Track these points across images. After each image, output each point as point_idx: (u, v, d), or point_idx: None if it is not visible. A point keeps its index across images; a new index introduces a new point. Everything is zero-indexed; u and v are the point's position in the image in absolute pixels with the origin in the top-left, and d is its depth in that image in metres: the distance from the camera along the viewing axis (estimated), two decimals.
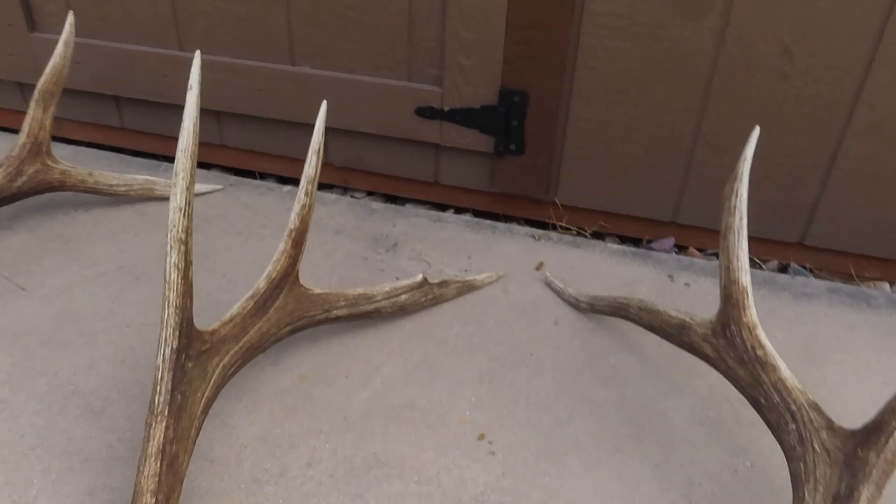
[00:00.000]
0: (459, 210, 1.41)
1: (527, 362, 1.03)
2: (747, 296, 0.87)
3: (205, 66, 1.35)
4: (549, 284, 1.18)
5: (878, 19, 1.03)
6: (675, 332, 0.96)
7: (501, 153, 1.27)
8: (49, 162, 1.22)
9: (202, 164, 1.52)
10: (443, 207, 1.42)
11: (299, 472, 0.85)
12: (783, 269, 1.31)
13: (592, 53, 1.17)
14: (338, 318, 1.01)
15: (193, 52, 1.36)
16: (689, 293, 1.19)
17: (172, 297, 0.79)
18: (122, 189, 1.30)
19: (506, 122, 1.24)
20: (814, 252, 1.26)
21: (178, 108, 1.43)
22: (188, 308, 0.81)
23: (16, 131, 1.60)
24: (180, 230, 0.79)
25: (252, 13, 1.29)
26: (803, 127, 1.14)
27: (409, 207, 1.40)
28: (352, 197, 1.44)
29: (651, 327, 1.00)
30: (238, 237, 1.26)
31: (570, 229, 1.35)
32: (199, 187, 1.39)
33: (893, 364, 1.06)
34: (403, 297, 1.07)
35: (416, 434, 0.90)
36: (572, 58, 1.18)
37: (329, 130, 1.38)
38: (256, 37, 1.31)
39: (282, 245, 0.95)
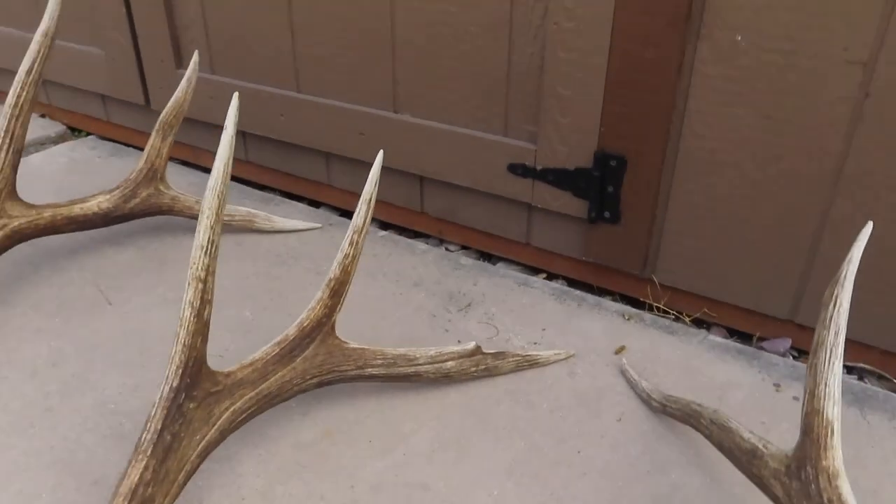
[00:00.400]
0: (552, 276, 1.31)
1: (571, 460, 0.90)
2: (832, 433, 0.70)
3: (316, 108, 1.39)
4: (623, 372, 1.05)
5: None
6: (745, 460, 0.79)
7: (594, 220, 1.16)
8: (162, 187, 1.31)
9: (313, 202, 1.56)
10: (536, 270, 1.33)
11: None
12: None
13: (701, 120, 1.03)
14: (372, 377, 0.96)
15: (310, 94, 1.41)
16: (795, 410, 0.99)
17: (182, 334, 0.79)
18: (225, 219, 1.37)
19: (600, 187, 1.13)
20: None
21: (293, 147, 1.49)
22: (197, 347, 0.80)
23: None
24: (200, 268, 0.79)
25: (364, 59, 1.30)
26: None
27: (498, 267, 1.32)
28: (446, 249, 1.40)
29: (720, 446, 0.84)
30: (317, 277, 1.26)
31: (667, 313, 1.20)
32: (298, 224, 1.42)
33: None
34: (450, 363, 1.00)
35: None
36: (678, 124, 1.05)
37: (425, 179, 1.35)
38: (364, 83, 1.32)
39: (319, 293, 0.92)
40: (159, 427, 0.76)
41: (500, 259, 1.37)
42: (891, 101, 0.90)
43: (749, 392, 1.02)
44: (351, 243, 0.92)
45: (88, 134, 1.87)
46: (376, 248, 1.36)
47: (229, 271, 1.28)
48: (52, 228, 1.22)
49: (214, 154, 1.64)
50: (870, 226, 0.76)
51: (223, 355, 1.06)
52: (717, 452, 0.90)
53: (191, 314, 0.79)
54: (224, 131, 0.80)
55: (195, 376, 0.80)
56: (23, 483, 0.85)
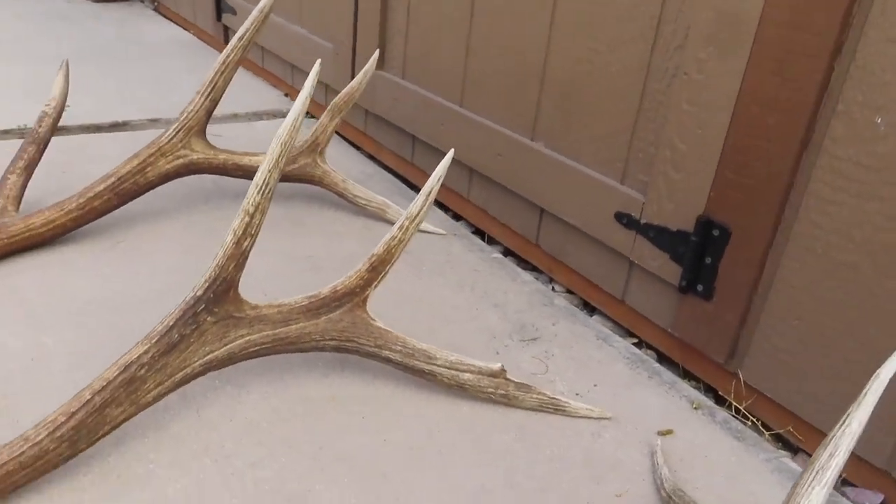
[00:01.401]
0: (642, 343, 1.21)
1: None
2: None
3: (472, 124, 1.46)
4: (653, 454, 0.94)
5: None
6: None
7: (685, 290, 1.06)
8: (319, 161, 1.47)
9: (456, 216, 1.62)
10: (629, 334, 1.24)
11: (243, 467, 0.86)
12: None
13: (820, 207, 0.90)
14: (388, 360, 0.98)
15: (468, 109, 1.48)
16: None
17: (220, 254, 0.89)
18: (363, 202, 1.49)
19: (698, 255, 1.03)
20: None
21: (441, 154, 1.57)
22: (230, 271, 0.89)
23: (358, 147, 1.95)
24: (251, 203, 0.88)
25: (515, 85, 1.34)
26: None
27: (592, 318, 1.26)
28: (553, 289, 1.36)
29: None
30: (413, 274, 1.31)
31: (745, 419, 1.04)
32: (427, 226, 1.49)
33: None
34: (467, 375, 0.98)
35: (343, 499, 0.82)
36: (795, 205, 0.92)
37: (544, 212, 1.34)
38: (512, 106, 1.36)
39: (359, 265, 0.97)
40: (171, 324, 0.86)
41: (597, 311, 1.30)
42: None
43: None
44: (401, 228, 0.96)
45: (314, 117, 2.15)
46: (482, 266, 1.37)
47: (342, 247, 1.39)
48: (223, 170, 1.44)
49: (393, 151, 1.79)
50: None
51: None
52: None
53: (231, 240, 0.89)
54: (302, 91, 0.89)
55: (221, 295, 0.90)
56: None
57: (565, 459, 0.92)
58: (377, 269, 0.97)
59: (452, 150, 0.96)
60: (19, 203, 1.33)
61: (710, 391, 1.12)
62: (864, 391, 0.62)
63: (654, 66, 1.08)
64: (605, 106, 1.18)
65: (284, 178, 1.47)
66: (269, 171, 0.88)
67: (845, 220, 0.89)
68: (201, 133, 1.41)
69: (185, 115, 1.36)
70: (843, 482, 0.96)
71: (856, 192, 0.87)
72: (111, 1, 3.68)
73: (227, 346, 0.92)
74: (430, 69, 1.58)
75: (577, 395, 1.04)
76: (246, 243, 0.90)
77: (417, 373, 0.99)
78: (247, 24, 1.36)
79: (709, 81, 0.99)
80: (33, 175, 1.39)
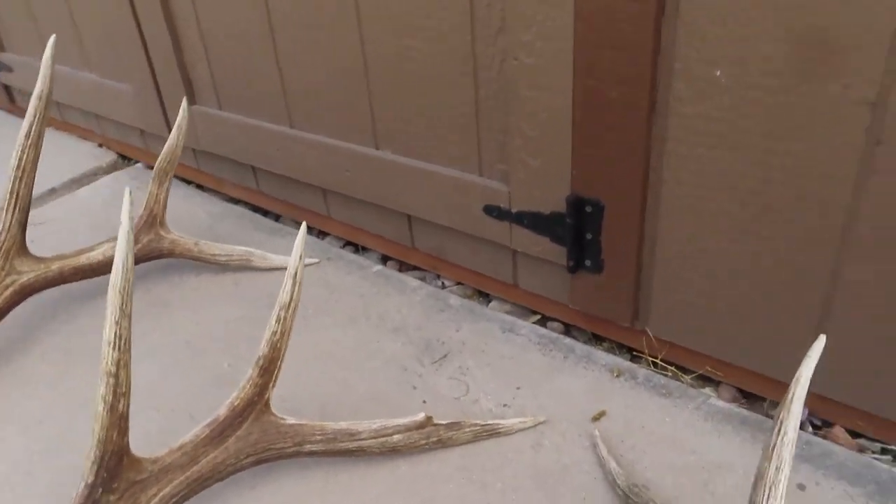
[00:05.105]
0: (548, 319, 1.21)
1: None
2: None
3: (308, 143, 1.35)
4: (596, 447, 0.95)
5: None
6: None
7: (574, 269, 1.05)
8: (162, 232, 1.34)
9: (321, 233, 1.54)
10: (532, 311, 1.24)
11: None
12: None
13: (682, 165, 0.90)
14: (312, 453, 0.93)
15: (300, 129, 1.37)
16: (802, 502, 0.86)
17: (97, 429, 0.79)
18: (223, 259, 1.37)
19: (577, 233, 1.02)
20: None
21: (292, 182, 1.47)
22: (114, 441, 0.80)
23: (199, 185, 1.80)
24: (110, 363, 0.78)
25: (345, 96, 1.25)
26: None
27: (490, 308, 1.24)
28: (442, 285, 1.33)
29: None
30: (305, 322, 1.24)
31: (665, 369, 1.08)
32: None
33: None
34: (396, 437, 0.95)
35: None
36: (658, 168, 0.92)
37: (412, 217, 1.28)
38: (346, 119, 1.28)
39: (250, 371, 0.90)
40: None
41: (494, 298, 1.29)
42: None
43: (743, 477, 0.89)
44: (278, 320, 0.88)
45: (136, 162, 1.95)
46: (365, 286, 1.32)
47: (217, 316, 1.29)
48: (61, 279, 1.28)
49: (235, 183, 1.65)
50: (822, 340, 0.64)
51: (194, 415, 1.07)
52: None
53: (104, 409, 0.79)
54: (120, 228, 0.78)
55: (114, 469, 0.81)
56: None
57: (517, 488, 0.91)
58: (268, 369, 0.89)
59: (304, 223, 0.88)
60: None
61: (623, 349, 1.14)
62: (789, 396, 0.63)
63: (480, 54, 1.02)
64: (441, 101, 1.11)
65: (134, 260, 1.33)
66: (118, 322, 0.78)
67: (708, 174, 0.89)
68: (22, 248, 1.24)
69: None
70: (771, 404, 1.02)
71: (712, 145, 0.87)
72: None
73: None
74: (246, 95, 1.44)
75: (504, 406, 1.03)
76: (122, 404, 0.80)
77: (345, 453, 0.94)
78: (28, 117, 1.18)
79: (541, 63, 0.94)
80: None
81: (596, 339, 1.17)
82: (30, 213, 1.26)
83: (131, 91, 1.70)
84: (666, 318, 1.03)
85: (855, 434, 0.96)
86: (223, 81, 1.47)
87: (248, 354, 1.18)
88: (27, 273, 1.24)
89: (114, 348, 0.78)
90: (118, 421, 0.80)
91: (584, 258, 1.04)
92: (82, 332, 1.29)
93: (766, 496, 0.62)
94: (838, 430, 0.96)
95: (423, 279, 1.34)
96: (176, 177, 1.82)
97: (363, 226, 1.40)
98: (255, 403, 0.90)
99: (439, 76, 1.10)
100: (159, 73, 1.58)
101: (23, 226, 1.23)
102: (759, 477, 0.64)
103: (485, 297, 1.30)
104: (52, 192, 1.82)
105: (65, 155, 2.06)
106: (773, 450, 0.62)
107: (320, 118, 1.32)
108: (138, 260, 1.34)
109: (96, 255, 1.30)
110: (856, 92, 0.75)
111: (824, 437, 0.95)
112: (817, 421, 0.99)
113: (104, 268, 1.31)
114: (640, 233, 0.98)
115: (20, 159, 1.19)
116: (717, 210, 0.90)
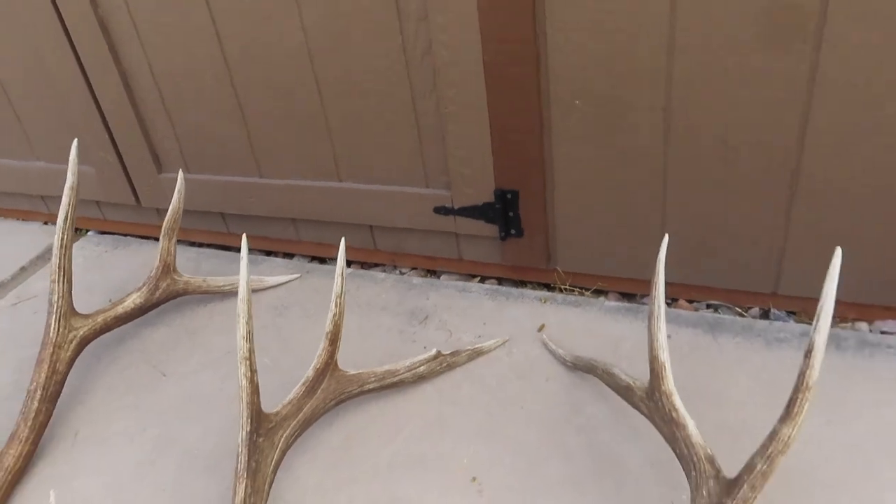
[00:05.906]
0: (485, 278, 1.73)
1: (518, 416, 1.33)
2: (665, 369, 1.11)
3: (279, 188, 1.76)
4: (545, 344, 1.47)
5: None
6: (625, 393, 1.22)
7: (504, 238, 1.57)
8: (175, 276, 1.68)
9: (287, 254, 1.94)
10: (472, 276, 1.74)
11: None
12: (765, 313, 1.50)
13: (564, 158, 1.44)
14: (371, 391, 1.37)
15: (271, 176, 1.77)
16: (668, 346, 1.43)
17: (244, 396, 1.18)
18: (228, 288, 1.74)
19: (504, 214, 1.54)
20: (794, 298, 1.44)
21: (262, 218, 1.86)
22: (255, 402, 1.19)
23: (156, 239, 2.10)
24: (245, 351, 1.17)
25: (309, 144, 1.67)
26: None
27: (443, 280, 1.73)
28: (400, 273, 1.80)
29: (611, 387, 1.27)
30: (309, 320, 1.65)
31: (572, 291, 1.63)
32: (281, 278, 1.80)
33: (846, 405, 1.23)
34: (422, 368, 1.41)
35: (425, 480, 1.24)
36: (549, 159, 1.45)
37: (374, 227, 1.74)
38: (307, 160, 1.70)
39: (322, 344, 1.32)
40: (246, 458, 1.16)
41: (443, 273, 1.78)
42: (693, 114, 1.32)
43: (634, 341, 1.45)
44: (336, 305, 1.31)
45: (87, 231, 2.20)
46: (349, 284, 1.75)
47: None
48: (105, 328, 1.59)
49: (203, 230, 1.99)
50: (839, 253, 0.89)
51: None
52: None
53: (246, 382, 1.18)
54: (240, 279, 1.17)
55: (258, 420, 1.20)
56: None
57: (504, 378, 1.41)
58: (333, 340, 1.32)
59: (244, 235, 1.31)
60: None
61: (543, 286, 1.67)
62: (659, 261, 1.17)
63: (419, 103, 1.50)
64: (391, 140, 1.58)
65: (156, 304, 1.66)
66: (246, 323, 1.17)
67: (577, 162, 1.43)
68: (72, 311, 1.53)
69: None
70: (641, 297, 1.59)
71: (578, 143, 1.41)
72: None
73: (279, 448, 1.23)
74: (215, 155, 1.80)
75: (479, 336, 1.52)
76: (255, 378, 1.19)
77: (391, 386, 1.39)
78: (63, 206, 1.48)
79: (461, 113, 1.44)
80: None
81: (523, 284, 1.69)
82: (13, 292, 1.56)
83: (94, 172, 1.97)
84: (567, 257, 1.57)
85: (692, 301, 1.56)
86: (190, 148, 1.82)
87: (280, 353, 1.58)
88: (81, 328, 1.54)
89: (246, 341, 1.18)
90: (255, 389, 1.19)
91: (510, 229, 1.56)
92: (132, 366, 1.61)
93: (656, 323, 1.15)
94: (681, 303, 1.56)
95: (385, 271, 1.80)
96: (139, 236, 2.11)
97: (331, 241, 1.82)
98: (329, 364, 1.32)
99: (389, 124, 1.56)
100: (125, 153, 1.88)
101: (70, 292, 1.53)
102: (650, 315, 1.16)
103: (435, 274, 1.78)
104: (23, 271, 2.04)
105: (9, 240, 2.26)
106: (653, 297, 1.16)
107: (286, 164, 1.73)
108: (160, 302, 1.67)
109: (128, 304, 1.62)
110: None
111: (675, 307, 1.54)
112: (668, 300, 1.57)
113: (136, 312, 1.63)
114: (544, 206, 1.51)
115: (61, 240, 1.50)
116: (587, 182, 1.45)
